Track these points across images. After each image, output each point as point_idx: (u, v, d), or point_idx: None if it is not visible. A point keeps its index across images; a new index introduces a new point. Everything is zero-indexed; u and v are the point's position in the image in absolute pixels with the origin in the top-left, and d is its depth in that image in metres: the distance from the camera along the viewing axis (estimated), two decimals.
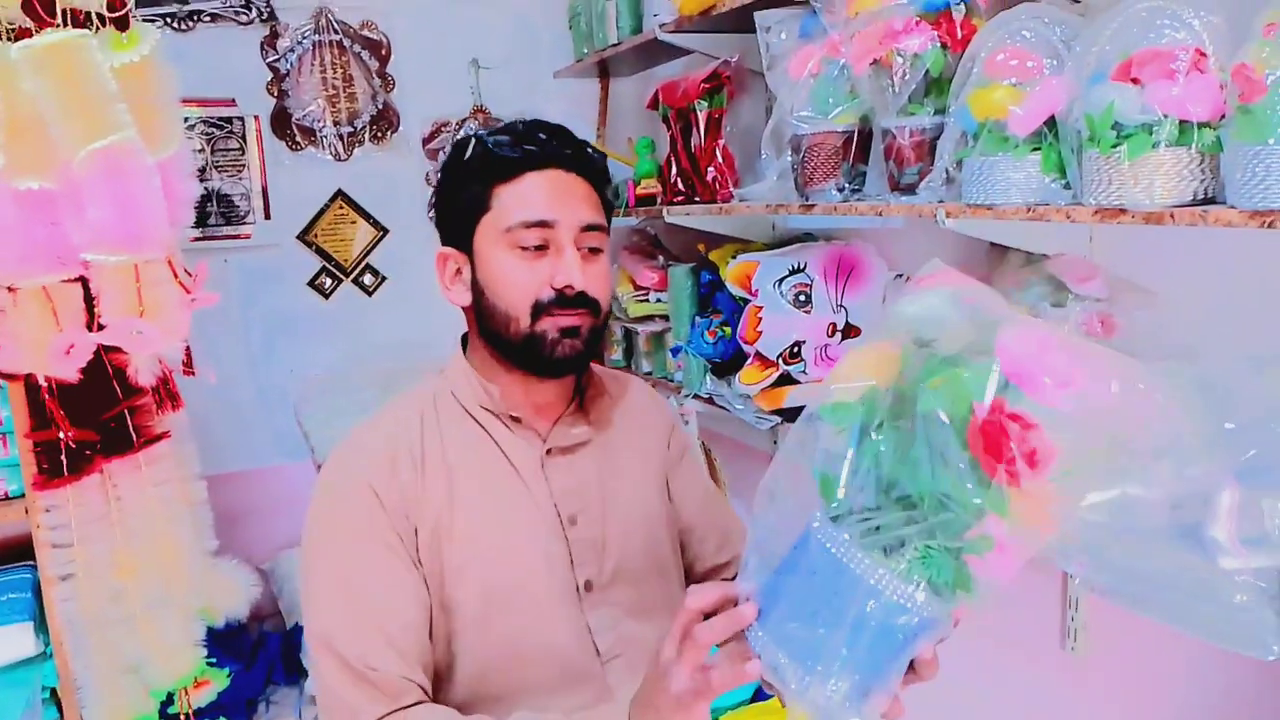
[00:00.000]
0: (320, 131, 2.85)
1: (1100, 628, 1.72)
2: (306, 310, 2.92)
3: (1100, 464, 1.42)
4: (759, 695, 2.58)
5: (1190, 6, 1.20)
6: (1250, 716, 1.50)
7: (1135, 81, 1.21)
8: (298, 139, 2.84)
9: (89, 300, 1.47)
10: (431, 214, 1.33)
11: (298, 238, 2.90)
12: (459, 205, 1.22)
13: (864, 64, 1.60)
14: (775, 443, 2.59)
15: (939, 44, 1.54)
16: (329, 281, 2.96)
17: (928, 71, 1.56)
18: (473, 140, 1.22)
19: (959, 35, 1.54)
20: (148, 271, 1.42)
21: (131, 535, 1.59)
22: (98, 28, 1.42)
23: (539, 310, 1.17)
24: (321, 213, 2.91)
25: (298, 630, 2.59)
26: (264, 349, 2.89)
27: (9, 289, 1.42)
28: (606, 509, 1.27)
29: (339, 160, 2.90)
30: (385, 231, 2.96)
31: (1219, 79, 1.17)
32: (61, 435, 1.47)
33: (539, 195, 1.18)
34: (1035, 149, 1.38)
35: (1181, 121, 1.17)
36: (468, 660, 1.17)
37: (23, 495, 1.63)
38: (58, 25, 1.37)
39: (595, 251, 1.22)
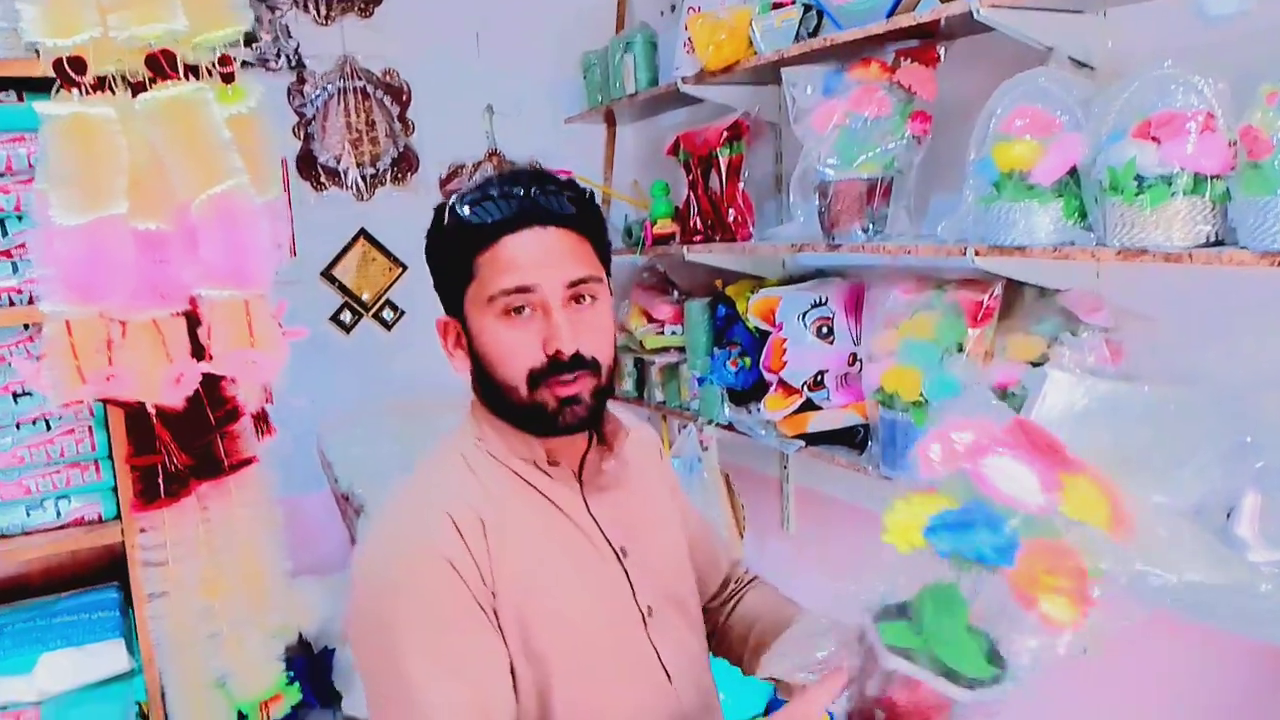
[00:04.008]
0: (344, 173, 2.97)
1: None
2: (328, 345, 3.02)
3: (1122, 477, 1.60)
4: (770, 708, 2.70)
5: (1199, 74, 1.39)
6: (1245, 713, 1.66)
7: (1154, 139, 1.39)
8: (322, 180, 2.97)
9: (193, 333, 1.57)
10: None
11: (321, 274, 3.01)
12: (446, 275, 1.19)
13: None
14: (785, 468, 2.75)
15: None
16: (350, 316, 3.07)
17: None
18: (447, 209, 1.17)
19: None
20: (256, 306, 1.53)
21: (219, 555, 1.68)
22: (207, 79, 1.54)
23: (536, 379, 1.13)
24: (344, 250, 3.02)
25: (326, 654, 2.66)
26: (285, 382, 2.98)
27: (120, 323, 1.51)
28: (647, 535, 1.29)
29: (361, 200, 3.02)
30: (404, 268, 3.08)
31: (1226, 137, 1.35)
32: (166, 460, 1.57)
33: (517, 260, 1.12)
34: (1058, 196, 1.56)
35: (1195, 174, 1.36)
36: (563, 712, 1.15)
37: (115, 518, 1.72)
38: (178, 78, 1.48)
39: (591, 302, 1.17)
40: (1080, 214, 1.56)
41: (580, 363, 1.13)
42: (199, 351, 1.58)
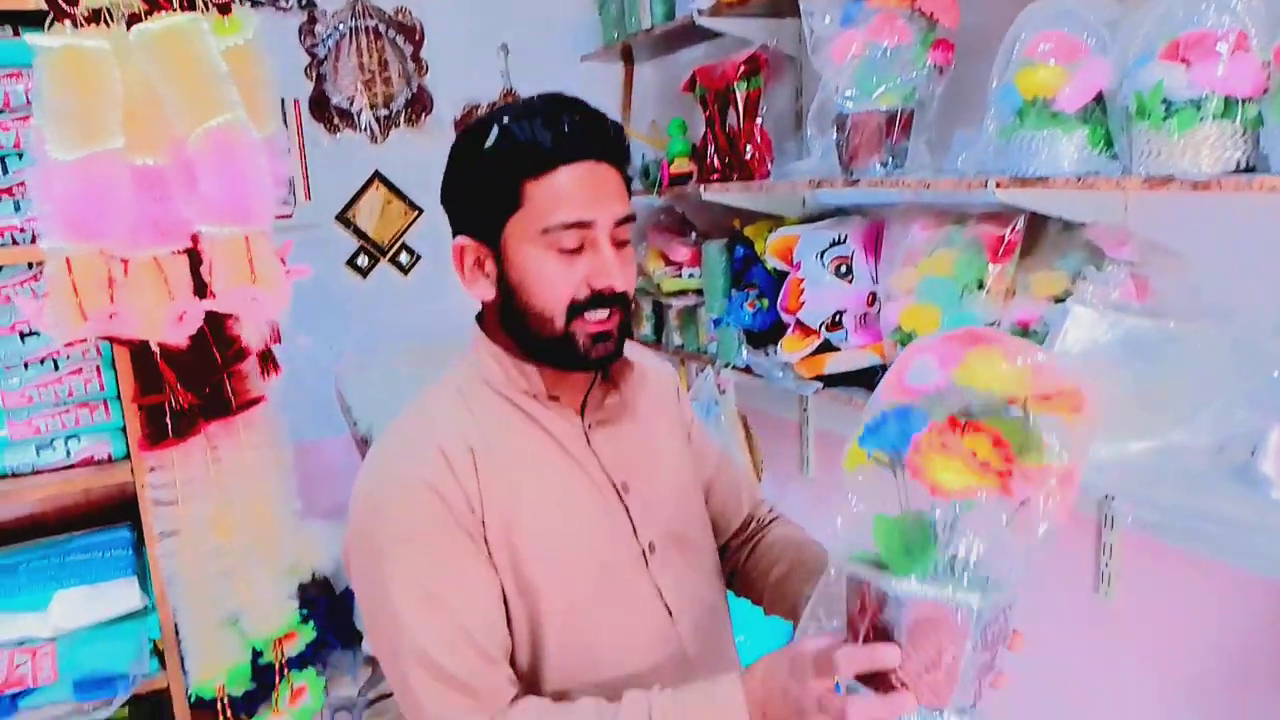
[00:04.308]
0: (357, 115, 2.94)
1: (1132, 574, 1.84)
2: (345, 289, 3.01)
3: (1144, 414, 1.55)
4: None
5: None
6: (1274, 662, 1.62)
7: (1183, 61, 1.32)
8: (335, 122, 2.93)
9: (195, 271, 1.55)
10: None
11: (336, 218, 2.99)
12: (483, 198, 1.13)
13: None
14: (804, 411, 2.71)
15: None
16: (366, 260, 3.05)
17: None
18: (496, 127, 1.10)
19: None
20: (257, 243, 1.51)
21: (229, 494, 1.68)
22: (203, 11, 1.51)
23: (574, 311, 1.12)
24: (359, 193, 3.00)
25: (347, 595, 2.68)
26: (303, 327, 2.98)
27: (121, 261, 1.50)
28: (651, 472, 1.28)
29: (375, 142, 2.99)
30: (420, 211, 3.05)
31: (1260, 58, 1.28)
32: (171, 399, 1.56)
33: (576, 193, 1.10)
34: (1083, 124, 1.50)
35: (1226, 97, 1.29)
36: (555, 644, 1.15)
37: (125, 457, 1.73)
38: (173, 9, 1.45)
39: (625, 242, 1.16)
40: (1106, 143, 1.49)
41: (618, 297, 1.14)
42: (202, 290, 1.56)
